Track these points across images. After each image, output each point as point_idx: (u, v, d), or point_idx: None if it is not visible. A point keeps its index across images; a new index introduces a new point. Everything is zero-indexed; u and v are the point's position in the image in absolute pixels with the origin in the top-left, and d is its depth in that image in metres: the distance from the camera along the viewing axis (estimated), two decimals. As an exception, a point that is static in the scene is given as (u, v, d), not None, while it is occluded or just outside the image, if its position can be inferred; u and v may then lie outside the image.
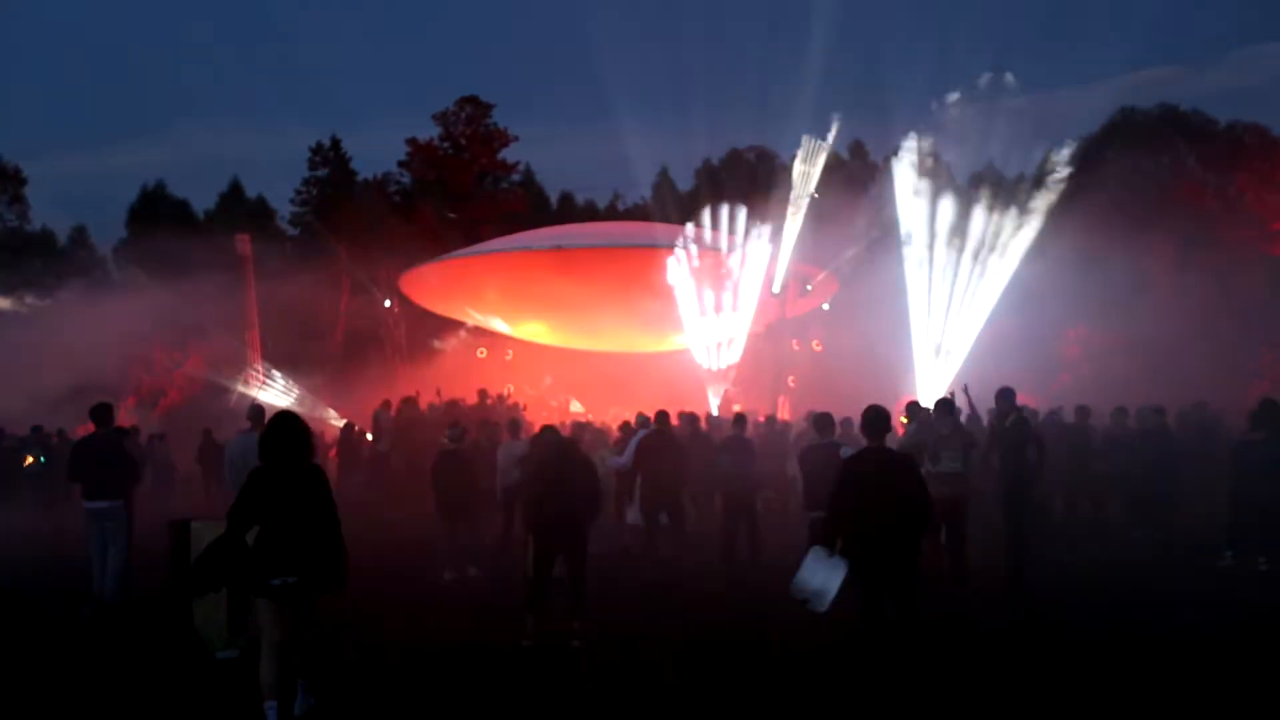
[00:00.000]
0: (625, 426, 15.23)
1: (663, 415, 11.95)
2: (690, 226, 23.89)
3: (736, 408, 16.38)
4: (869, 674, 6.36)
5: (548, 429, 8.97)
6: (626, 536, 12.23)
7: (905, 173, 20.49)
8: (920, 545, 6.70)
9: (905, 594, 6.45)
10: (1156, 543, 11.43)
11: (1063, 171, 19.60)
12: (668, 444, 11.48)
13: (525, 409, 21.03)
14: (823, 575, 6.37)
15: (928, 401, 13.27)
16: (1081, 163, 20.11)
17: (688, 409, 14.79)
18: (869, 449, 6.83)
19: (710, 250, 23.23)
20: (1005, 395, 10.39)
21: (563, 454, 8.27)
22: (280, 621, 5.86)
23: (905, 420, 13.19)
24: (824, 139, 24.94)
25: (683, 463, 11.40)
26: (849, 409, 16.72)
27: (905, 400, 14.27)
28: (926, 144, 20.64)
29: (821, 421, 9.57)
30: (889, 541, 6.40)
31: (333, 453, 20.15)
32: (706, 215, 24.65)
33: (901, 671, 6.34)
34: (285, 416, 6.20)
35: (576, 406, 25.52)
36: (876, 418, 6.91)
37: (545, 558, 8.09)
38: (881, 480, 6.48)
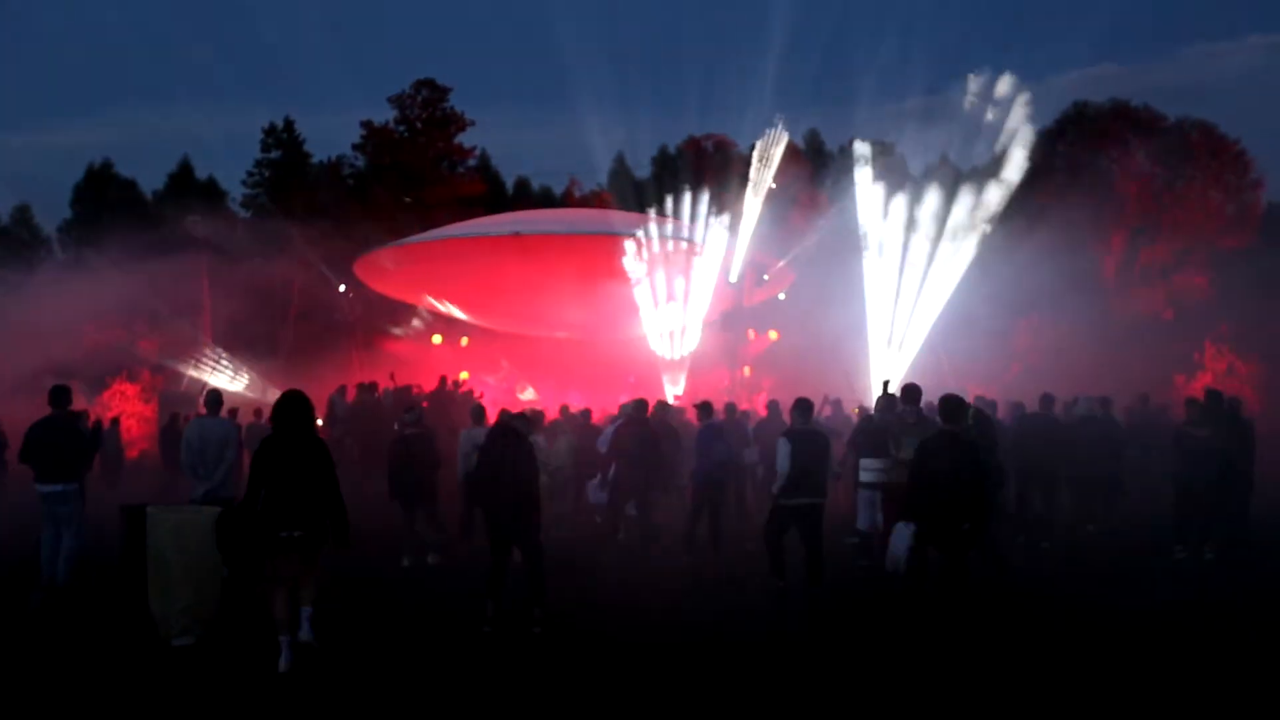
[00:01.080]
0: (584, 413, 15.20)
1: (640, 404, 11.94)
2: (651, 214, 23.91)
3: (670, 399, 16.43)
4: (909, 618, 7.67)
5: (504, 415, 8.96)
6: (593, 515, 12.34)
7: (862, 170, 20.63)
8: (981, 516, 7.78)
9: (957, 558, 7.61)
10: (1103, 533, 11.67)
11: (1015, 164, 19.81)
12: (643, 435, 11.47)
13: (481, 396, 20.96)
14: (902, 543, 7.74)
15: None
16: (1034, 156, 20.29)
17: (645, 396, 14.89)
18: (945, 431, 7.85)
19: (667, 239, 23.27)
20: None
21: (507, 442, 8.23)
22: (288, 568, 6.83)
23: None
24: (777, 131, 25.06)
25: (657, 454, 11.43)
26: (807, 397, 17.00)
27: (860, 387, 14.47)
28: (882, 143, 20.74)
29: (803, 406, 9.57)
30: (951, 510, 7.51)
31: None
32: (665, 203, 24.68)
33: (940, 623, 7.51)
34: (293, 394, 7.12)
35: (530, 394, 25.49)
36: (957, 406, 7.93)
37: (499, 543, 8.10)
38: (952, 459, 7.58)
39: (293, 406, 7.03)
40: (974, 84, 19.39)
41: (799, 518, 9.19)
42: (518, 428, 8.38)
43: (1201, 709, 6.12)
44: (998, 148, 19.18)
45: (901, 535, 7.82)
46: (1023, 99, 18.71)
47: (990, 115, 19.09)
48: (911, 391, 10.16)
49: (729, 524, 11.99)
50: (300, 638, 6.88)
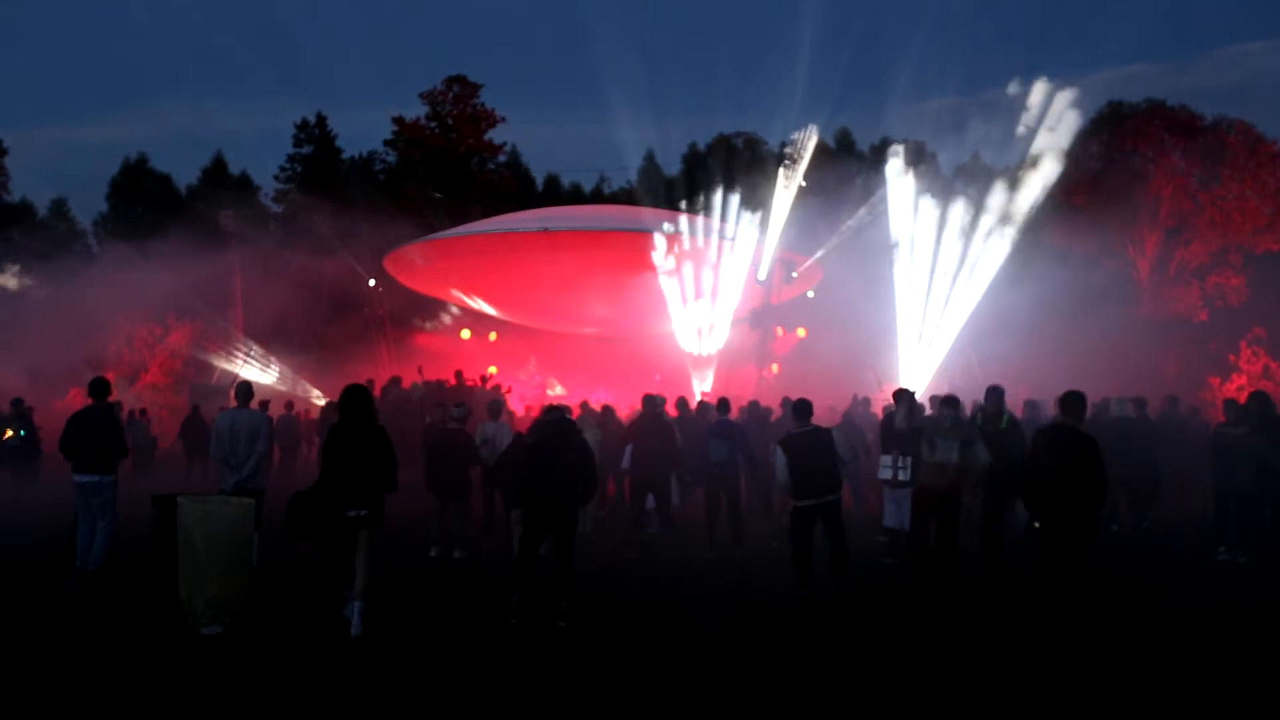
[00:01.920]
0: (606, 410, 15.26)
1: (651, 399, 12.02)
2: (680, 212, 23.89)
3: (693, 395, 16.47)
4: (1040, 608, 7.77)
5: (552, 409, 8.95)
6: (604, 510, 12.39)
7: (893, 169, 20.53)
8: (1095, 506, 7.69)
9: (1075, 547, 7.61)
10: (1135, 535, 11.51)
11: (1049, 164, 19.61)
12: (657, 427, 11.57)
13: (509, 391, 21.02)
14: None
15: (917, 389, 13.39)
16: (1069, 155, 20.09)
17: (675, 394, 14.99)
18: (1061, 423, 8.01)
19: (696, 235, 23.24)
20: (995, 394, 10.34)
21: (563, 435, 8.28)
22: (353, 542, 7.54)
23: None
24: (808, 130, 24.99)
25: (672, 445, 11.49)
26: (833, 396, 16.95)
27: (888, 387, 14.37)
28: (914, 142, 20.64)
29: (801, 409, 9.56)
30: (1063, 500, 7.59)
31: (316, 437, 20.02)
32: (695, 201, 24.65)
33: (1046, 606, 7.68)
34: (355, 388, 7.86)
35: (558, 389, 25.54)
36: (1077, 400, 8.07)
37: (534, 537, 8.13)
38: (1066, 450, 7.66)
39: (356, 398, 7.76)
40: (1014, 87, 19.25)
41: (816, 515, 9.16)
42: (568, 420, 8.45)
43: (1219, 711, 6.03)
44: (1034, 150, 19.02)
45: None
46: (1065, 100, 18.50)
47: (1025, 120, 18.94)
48: (951, 398, 10.09)
49: (756, 523, 11.95)
50: (352, 633, 7.38)
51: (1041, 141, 18.77)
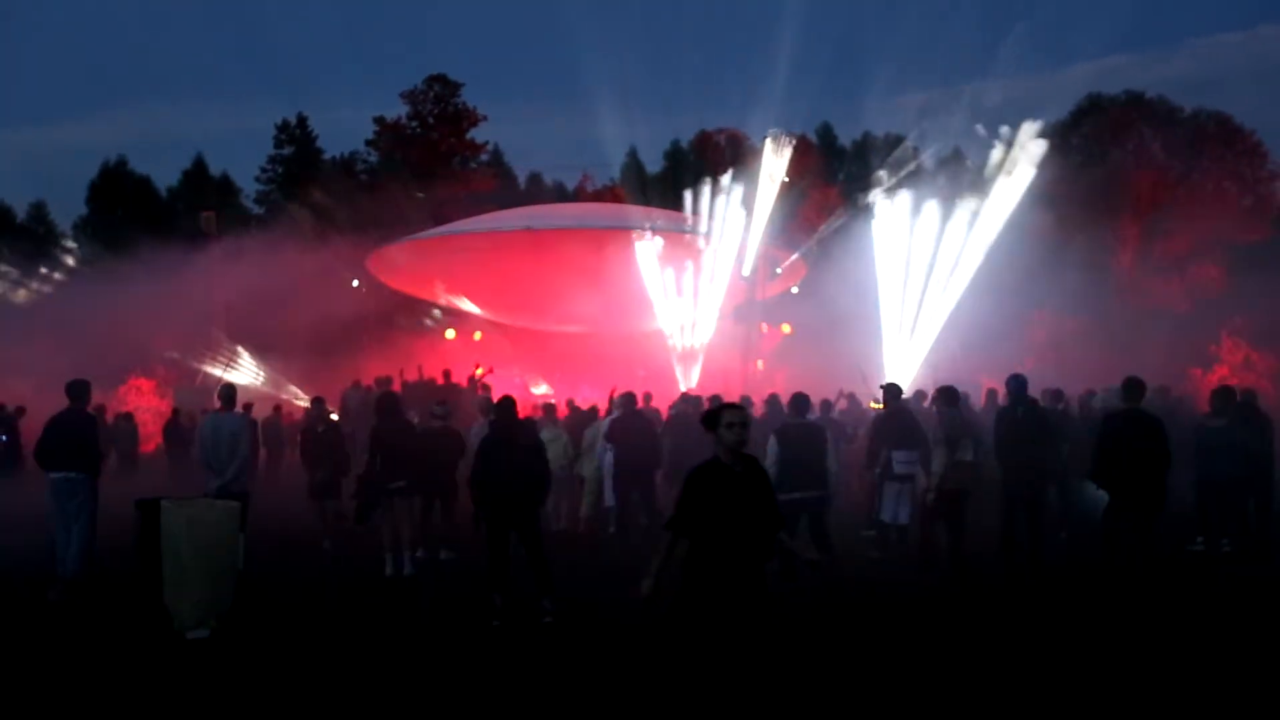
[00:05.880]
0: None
1: (630, 397, 12.07)
2: (663, 209, 23.89)
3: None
4: (1113, 582, 8.44)
5: (504, 402, 8.55)
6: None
7: (875, 163, 20.65)
8: (1164, 482, 8.45)
9: (1145, 523, 8.40)
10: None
11: (1030, 155, 19.73)
12: (639, 425, 11.64)
13: (490, 371, 20.89)
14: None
15: (902, 384, 13.40)
16: (1049, 148, 20.22)
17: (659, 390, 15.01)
18: (1129, 409, 8.68)
19: (680, 232, 23.25)
20: (1016, 382, 9.92)
21: (509, 432, 8.20)
22: (396, 510, 9.91)
23: (877, 404, 13.32)
24: (789, 134, 24.95)
25: (655, 443, 11.55)
26: (818, 392, 16.97)
27: (874, 381, 14.42)
28: (895, 136, 20.81)
29: (798, 402, 9.58)
30: (1138, 479, 8.33)
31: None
32: (678, 198, 24.64)
33: (1134, 583, 8.30)
34: (388, 394, 10.98)
35: (543, 388, 25.50)
36: (1136, 385, 8.75)
37: (495, 536, 8.03)
38: (1136, 432, 8.43)
39: (390, 401, 10.45)
40: (987, 75, 19.44)
41: (801, 510, 9.15)
42: (514, 418, 8.37)
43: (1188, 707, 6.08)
44: (1011, 139, 19.17)
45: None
46: (1036, 89, 18.70)
47: (1003, 106, 19.09)
48: (951, 394, 10.06)
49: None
50: (405, 571, 9.82)
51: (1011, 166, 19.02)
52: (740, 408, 5.40)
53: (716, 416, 5.21)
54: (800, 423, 9.44)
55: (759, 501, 5.12)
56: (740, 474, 5.12)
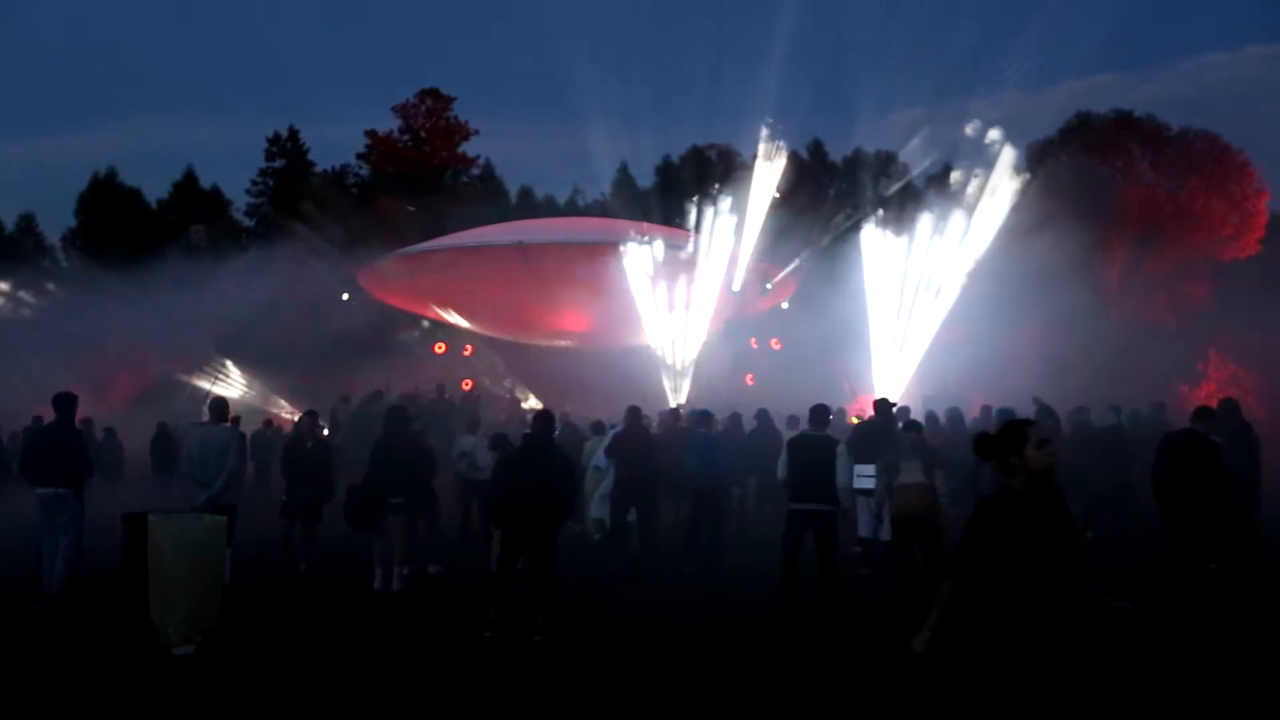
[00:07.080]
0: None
1: (633, 412, 12.00)
2: (654, 223, 23.91)
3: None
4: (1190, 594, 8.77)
5: (544, 415, 8.67)
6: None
7: (866, 179, 20.73)
8: (1215, 508, 9.12)
9: (1208, 538, 9.18)
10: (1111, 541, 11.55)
11: (1017, 173, 19.86)
12: (640, 441, 11.54)
13: (477, 399, 20.89)
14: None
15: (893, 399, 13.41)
16: (1037, 166, 20.38)
17: (647, 405, 14.89)
18: (1189, 429, 9.46)
19: (670, 247, 23.25)
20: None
21: (542, 447, 8.22)
22: (393, 525, 9.98)
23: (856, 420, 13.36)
24: (777, 141, 25.00)
25: (655, 460, 11.47)
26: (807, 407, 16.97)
27: (863, 398, 14.45)
28: (885, 153, 20.95)
29: (817, 414, 9.61)
30: (1192, 500, 9.02)
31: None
32: (669, 212, 24.66)
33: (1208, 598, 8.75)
34: (397, 407, 11.25)
35: (533, 402, 25.46)
36: (1209, 414, 9.64)
37: (511, 551, 8.05)
38: (1189, 453, 9.17)
39: (397, 415, 10.77)
40: (975, 93, 19.62)
41: (810, 523, 9.17)
42: (552, 429, 8.44)
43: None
44: (998, 157, 19.28)
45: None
46: (1024, 107, 18.90)
47: (990, 124, 19.22)
48: (914, 422, 10.23)
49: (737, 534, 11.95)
50: (393, 587, 9.79)
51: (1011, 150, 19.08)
52: (1046, 425, 5.02)
53: (1018, 436, 4.16)
54: (812, 436, 9.46)
55: (1062, 541, 4.15)
56: (1042, 507, 4.15)
